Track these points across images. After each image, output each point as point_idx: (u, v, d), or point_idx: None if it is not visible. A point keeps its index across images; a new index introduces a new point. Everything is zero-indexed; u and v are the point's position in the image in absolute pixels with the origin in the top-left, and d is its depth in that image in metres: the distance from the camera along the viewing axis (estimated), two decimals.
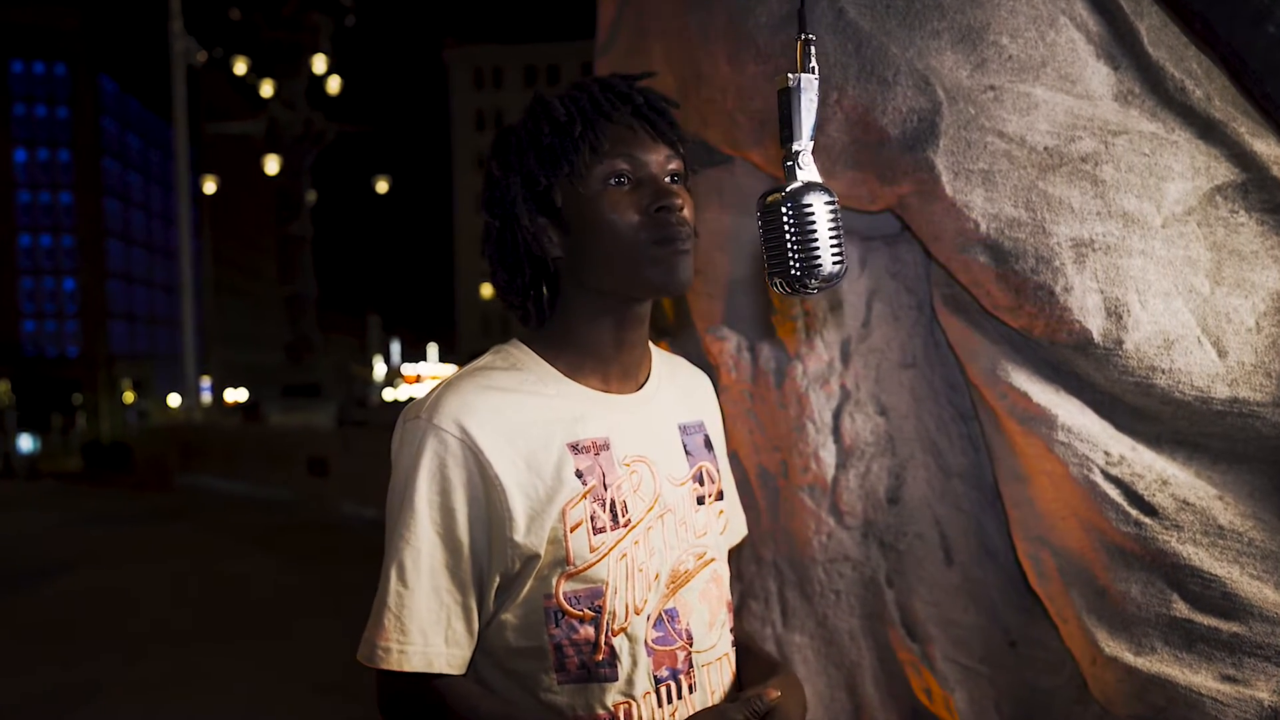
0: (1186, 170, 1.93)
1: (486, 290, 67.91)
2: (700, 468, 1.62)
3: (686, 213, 1.45)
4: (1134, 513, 1.90)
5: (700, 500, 1.60)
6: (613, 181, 1.44)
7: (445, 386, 1.45)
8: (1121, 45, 2.03)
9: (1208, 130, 1.97)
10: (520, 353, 1.53)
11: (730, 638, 1.63)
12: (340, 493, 14.29)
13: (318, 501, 14.65)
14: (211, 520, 14.05)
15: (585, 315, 1.51)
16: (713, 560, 1.60)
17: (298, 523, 13.55)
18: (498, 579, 1.43)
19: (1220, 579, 1.83)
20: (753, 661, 1.68)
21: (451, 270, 72.69)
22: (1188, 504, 1.87)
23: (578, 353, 1.52)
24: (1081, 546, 2.01)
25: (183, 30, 27.49)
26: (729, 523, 1.72)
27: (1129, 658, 1.91)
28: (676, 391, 1.67)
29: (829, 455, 2.46)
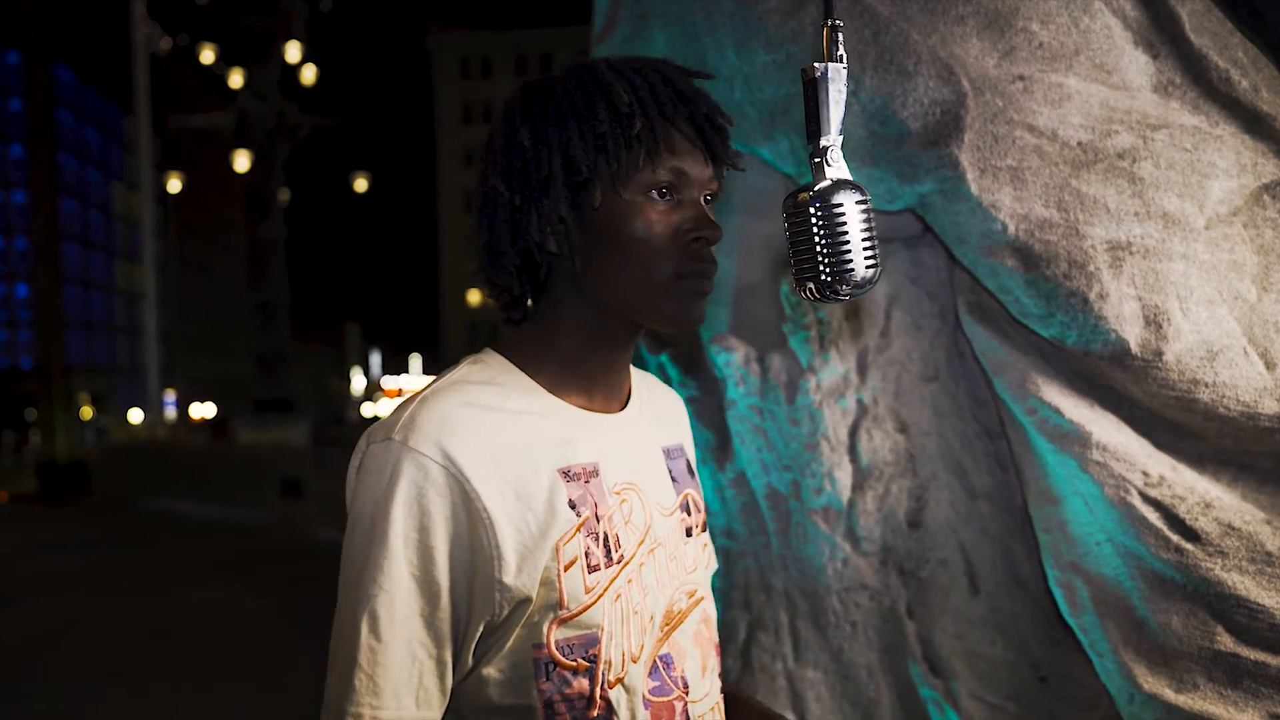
0: (1232, 167, 1.94)
1: (474, 297, 67.87)
2: (686, 495, 1.60)
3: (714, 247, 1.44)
4: (1175, 538, 1.90)
5: (689, 532, 1.58)
6: (653, 194, 1.41)
7: (419, 403, 1.38)
8: (1161, 32, 2.03)
9: (1255, 124, 1.98)
10: (499, 364, 1.48)
11: (719, 684, 1.61)
12: (316, 516, 14.26)
13: (291, 525, 14.62)
14: (176, 546, 14.02)
15: (577, 328, 1.47)
16: (703, 599, 1.58)
17: (270, 549, 13.53)
18: (481, 627, 1.36)
19: (1268, 610, 1.83)
20: (743, 711, 1.67)
21: (436, 275, 72.74)
22: (1233, 528, 1.87)
23: (561, 367, 1.47)
24: (1118, 574, 2.01)
25: (145, 15, 27.53)
26: (711, 556, 1.69)
27: (1169, 695, 1.91)
28: (656, 412, 1.64)
29: (844, 475, 2.46)
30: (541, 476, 1.38)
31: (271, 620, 9.35)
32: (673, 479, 1.58)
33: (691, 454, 1.71)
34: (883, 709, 2.48)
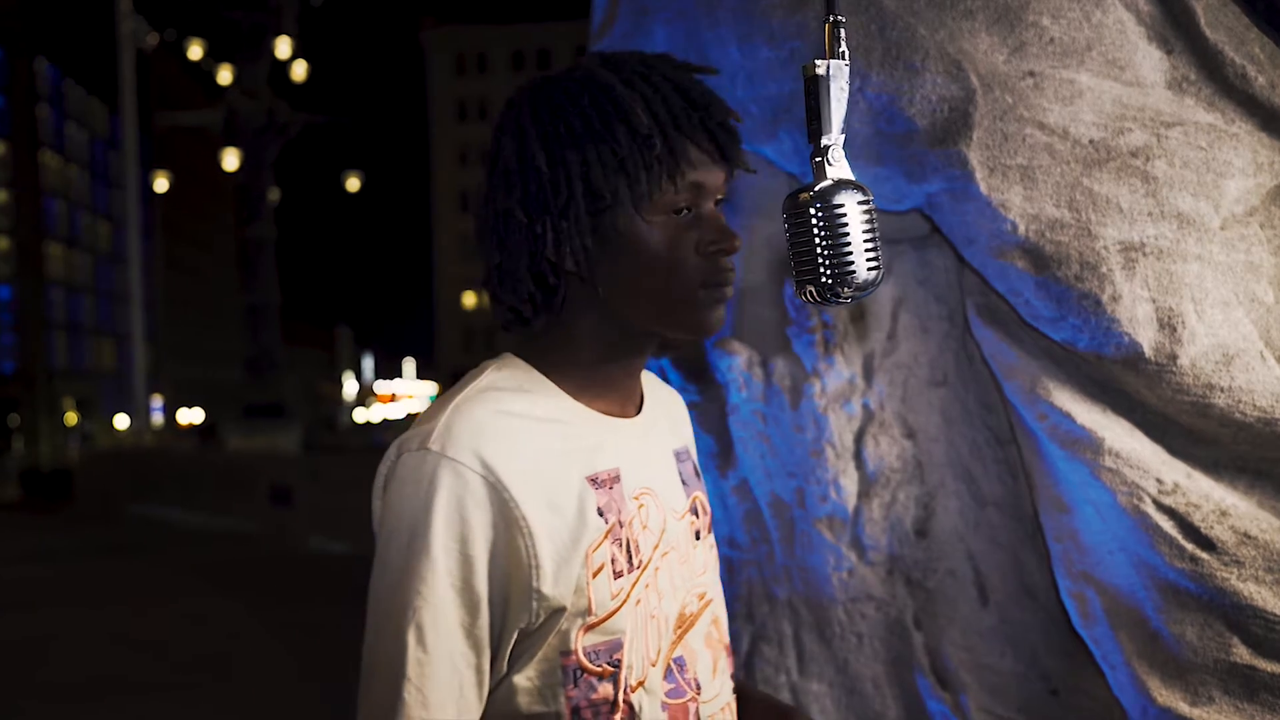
0: (1248, 166, 1.94)
1: (469, 299, 67.93)
2: (695, 498, 1.64)
3: None
4: (1189, 547, 1.90)
5: (697, 534, 1.61)
6: (675, 212, 1.43)
7: (452, 411, 1.40)
8: (1175, 27, 2.03)
9: (1272, 121, 1.98)
10: (524, 370, 1.50)
11: (730, 684, 1.66)
12: (307, 525, 14.26)
13: (282, 534, 14.62)
14: (163, 555, 14.01)
15: (598, 340, 1.50)
16: (712, 600, 1.62)
17: (259, 557, 13.52)
18: (515, 634, 1.40)
19: None
20: (758, 709, 1.70)
21: (430, 277, 72.73)
22: (1249, 537, 1.87)
23: (584, 374, 1.50)
24: (1131, 584, 2.01)
25: (131, 9, 27.58)
26: (716, 558, 1.73)
27: (1184, 708, 1.91)
28: (664, 414, 1.68)
29: (850, 483, 2.46)
30: (571, 484, 1.41)
31: (260, 629, 9.35)
32: (682, 482, 1.62)
33: (695, 455, 1.75)
34: None
